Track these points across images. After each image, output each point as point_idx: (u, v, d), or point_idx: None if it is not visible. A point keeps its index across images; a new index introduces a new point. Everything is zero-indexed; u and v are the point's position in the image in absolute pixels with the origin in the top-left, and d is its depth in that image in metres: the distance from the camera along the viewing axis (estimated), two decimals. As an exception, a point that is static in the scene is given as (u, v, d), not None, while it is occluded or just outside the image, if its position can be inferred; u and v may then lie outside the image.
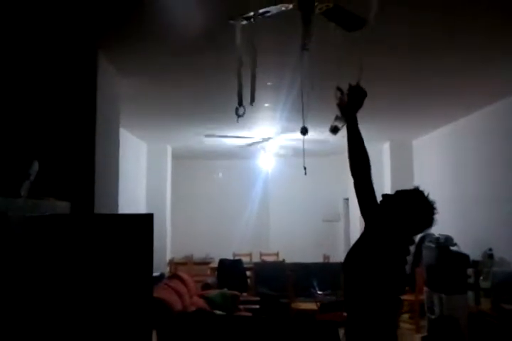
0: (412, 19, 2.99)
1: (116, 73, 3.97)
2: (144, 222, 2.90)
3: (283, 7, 2.36)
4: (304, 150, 3.90)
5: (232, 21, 2.52)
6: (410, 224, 1.95)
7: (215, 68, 3.98)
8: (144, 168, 8.06)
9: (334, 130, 3.52)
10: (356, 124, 2.05)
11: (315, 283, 6.04)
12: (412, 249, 6.83)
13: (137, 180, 7.53)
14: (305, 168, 4.00)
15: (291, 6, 2.33)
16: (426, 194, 1.98)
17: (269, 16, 2.42)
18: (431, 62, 3.85)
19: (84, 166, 3.32)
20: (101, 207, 3.38)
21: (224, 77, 4.27)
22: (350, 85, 2.02)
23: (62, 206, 2.91)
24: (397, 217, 1.94)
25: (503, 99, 4.99)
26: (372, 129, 7.07)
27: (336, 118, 3.12)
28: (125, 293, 2.57)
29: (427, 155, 7.33)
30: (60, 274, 2.48)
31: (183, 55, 3.68)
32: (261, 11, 2.40)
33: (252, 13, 2.42)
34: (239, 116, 2.60)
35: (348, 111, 2.06)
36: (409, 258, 6.82)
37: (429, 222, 1.97)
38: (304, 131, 3.29)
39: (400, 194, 2.02)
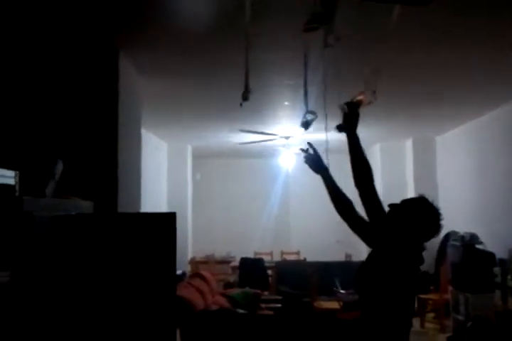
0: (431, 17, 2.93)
1: (137, 73, 4.00)
2: (167, 221, 2.91)
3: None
4: (327, 148, 3.84)
5: None
6: (417, 232, 1.92)
7: (236, 67, 3.96)
8: (164, 167, 8.13)
9: (305, 124, 3.50)
10: (357, 139, 2.12)
11: (337, 282, 5.98)
12: (436, 247, 6.76)
13: (159, 180, 7.59)
14: (327, 166, 3.93)
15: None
16: (431, 201, 1.96)
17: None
18: (455, 57, 3.78)
19: (107, 166, 3.35)
20: (124, 207, 3.41)
21: (242, 75, 4.29)
22: (345, 103, 2.12)
23: (86, 205, 2.95)
24: (404, 227, 1.92)
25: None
26: (395, 126, 6.98)
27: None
28: (149, 292, 2.58)
29: (451, 152, 7.20)
30: (84, 273, 2.51)
31: (204, 54, 3.68)
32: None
33: None
34: (244, 99, 2.59)
35: (348, 128, 2.14)
36: (433, 257, 6.73)
37: (436, 229, 1.94)
38: (306, 125, 3.23)
39: (405, 203, 1.99)
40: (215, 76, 4.34)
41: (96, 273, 2.53)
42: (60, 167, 2.63)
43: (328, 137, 6.53)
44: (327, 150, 4.48)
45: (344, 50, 3.22)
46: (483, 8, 2.84)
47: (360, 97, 2.40)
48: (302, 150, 2.26)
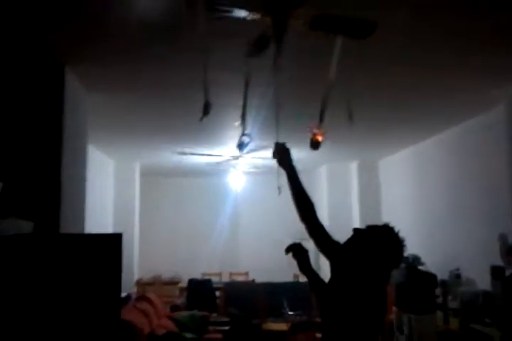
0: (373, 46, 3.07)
1: (84, 89, 3.90)
2: (113, 242, 2.81)
3: (252, 15, 2.29)
4: (278, 169, 3.86)
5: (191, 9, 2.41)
6: (380, 261, 1.89)
7: (183, 85, 3.97)
8: (111, 185, 7.89)
9: (240, 146, 3.58)
10: (294, 174, 2.12)
11: (285, 303, 5.98)
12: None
13: (104, 198, 7.35)
14: (279, 188, 3.96)
15: (259, 16, 2.28)
16: (396, 231, 1.95)
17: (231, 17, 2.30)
18: (399, 85, 3.96)
19: (49, 184, 3.21)
20: (67, 227, 3.26)
21: (191, 94, 4.29)
22: (275, 143, 2.19)
23: (26, 225, 2.80)
24: (367, 254, 1.89)
25: (463, 122, 5.17)
26: (340, 149, 7.18)
27: (243, 134, 3.22)
28: (92, 316, 2.48)
29: (393, 175, 7.47)
30: (25, 296, 2.37)
31: (151, 72, 3.65)
32: (227, 8, 2.28)
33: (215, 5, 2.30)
34: (204, 114, 2.56)
35: (282, 164, 2.16)
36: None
37: (399, 259, 1.93)
38: (241, 146, 3.29)
39: (371, 230, 1.98)
40: (163, 94, 4.30)
41: (37, 296, 2.40)
42: (-2, 185, 2.49)
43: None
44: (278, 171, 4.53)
45: (293, 72, 3.29)
46: (434, 35, 2.99)
47: (316, 136, 2.50)
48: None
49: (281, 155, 2.19)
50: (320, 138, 2.56)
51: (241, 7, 2.19)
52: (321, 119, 2.71)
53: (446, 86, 4.03)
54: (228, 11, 2.17)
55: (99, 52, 3.24)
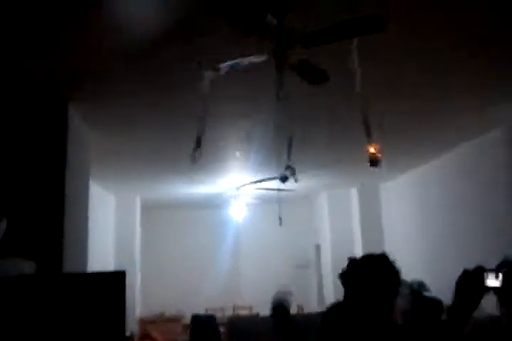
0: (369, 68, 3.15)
1: (86, 126, 3.96)
2: (116, 280, 2.78)
3: (254, 59, 2.41)
4: (279, 200, 3.88)
5: (201, 70, 2.55)
6: (375, 292, 1.86)
7: (186, 119, 4.04)
8: (112, 220, 7.86)
9: (283, 179, 3.58)
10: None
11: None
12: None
13: (105, 234, 7.31)
14: (280, 219, 4.00)
15: (263, 58, 2.39)
16: (392, 259, 1.92)
17: (238, 68, 2.46)
18: (399, 107, 4.00)
19: (52, 223, 3.20)
20: (70, 265, 3.24)
21: (192, 129, 4.36)
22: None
23: (28, 266, 2.78)
24: (361, 286, 1.86)
25: (462, 145, 5.21)
26: (340, 174, 7.21)
27: (287, 167, 3.24)
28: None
29: (395, 200, 7.47)
30: (27, 337, 2.33)
31: (153, 109, 3.73)
32: (230, 63, 2.44)
33: (221, 65, 2.45)
34: (194, 159, 2.62)
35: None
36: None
37: (395, 289, 1.89)
38: (284, 179, 3.30)
39: (364, 260, 1.94)
40: (164, 129, 4.37)
41: (40, 337, 2.36)
42: (3, 225, 2.49)
43: (275, 190, 6.62)
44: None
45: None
46: (438, 58, 3.06)
47: (375, 154, 2.44)
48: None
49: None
50: (379, 155, 2.50)
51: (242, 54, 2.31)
52: (369, 135, 2.65)
53: (447, 109, 4.08)
54: (237, 64, 2.29)
55: (102, 91, 3.32)
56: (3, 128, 3.26)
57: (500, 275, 1.28)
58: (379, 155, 2.45)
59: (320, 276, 9.20)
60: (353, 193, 8.21)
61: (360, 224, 7.94)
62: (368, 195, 8.00)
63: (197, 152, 2.51)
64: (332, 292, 8.19)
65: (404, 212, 7.03)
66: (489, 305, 4.45)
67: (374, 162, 2.44)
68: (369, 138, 2.61)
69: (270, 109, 3.42)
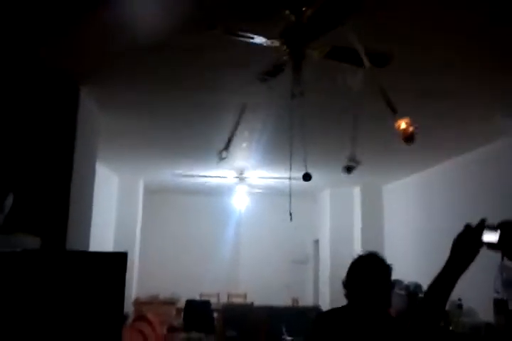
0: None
1: (97, 108, 3.98)
2: (117, 261, 2.82)
3: (271, 42, 2.35)
4: (290, 195, 3.86)
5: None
6: (370, 286, 1.91)
7: (192, 107, 4.05)
8: (114, 200, 7.89)
9: (349, 169, 3.51)
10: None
11: (284, 328, 5.91)
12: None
13: (106, 213, 7.35)
14: (291, 214, 4.01)
15: (283, 59, 2.36)
16: (380, 257, 1.96)
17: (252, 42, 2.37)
18: (404, 111, 4.00)
19: (58, 201, 3.24)
20: (73, 243, 3.27)
21: (201, 115, 4.38)
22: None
23: (33, 241, 2.81)
24: (358, 283, 1.93)
25: (470, 152, 5.21)
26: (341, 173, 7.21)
27: (350, 159, 3.14)
28: (94, 334, 2.47)
29: (397, 201, 7.47)
30: (29, 312, 2.37)
31: (162, 92, 3.73)
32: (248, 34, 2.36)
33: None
34: (222, 159, 2.62)
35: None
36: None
37: (387, 284, 1.93)
38: (308, 177, 3.24)
39: (358, 260, 2.00)
40: (172, 114, 4.37)
41: (41, 312, 2.40)
42: (10, 200, 2.52)
43: (278, 182, 6.63)
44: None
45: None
46: (446, 65, 3.06)
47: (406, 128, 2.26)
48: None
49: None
50: (412, 129, 2.29)
51: (260, 34, 2.27)
52: (394, 110, 2.47)
53: (455, 115, 4.07)
54: (248, 37, 2.24)
55: (114, 74, 3.33)
56: (15, 108, 3.29)
57: (499, 231, 1.27)
58: (412, 129, 2.23)
59: (317, 271, 9.25)
60: (356, 192, 8.22)
61: (361, 222, 7.96)
62: (370, 195, 8.00)
63: (224, 152, 2.53)
64: (328, 287, 8.25)
65: (406, 213, 7.03)
66: (485, 314, 4.48)
67: (409, 138, 2.25)
68: (395, 113, 2.40)
69: (284, 104, 3.43)
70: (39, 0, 2.30)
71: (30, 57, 3.00)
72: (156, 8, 2.44)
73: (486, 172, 4.96)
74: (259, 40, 2.26)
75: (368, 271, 1.91)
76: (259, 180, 7.29)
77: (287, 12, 2.13)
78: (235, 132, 2.60)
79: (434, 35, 2.64)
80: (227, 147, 2.63)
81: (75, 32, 2.66)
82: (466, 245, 1.35)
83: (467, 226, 1.37)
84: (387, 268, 1.92)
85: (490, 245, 1.31)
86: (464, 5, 2.33)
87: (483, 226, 1.34)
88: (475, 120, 4.17)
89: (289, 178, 4.30)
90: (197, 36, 2.65)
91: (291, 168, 3.72)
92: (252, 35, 2.24)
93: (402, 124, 2.34)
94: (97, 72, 3.29)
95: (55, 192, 3.25)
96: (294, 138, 3.67)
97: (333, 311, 2.10)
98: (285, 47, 2.27)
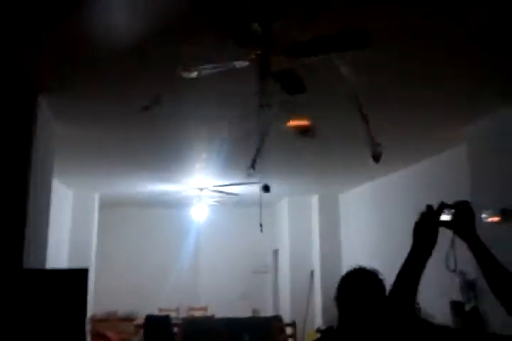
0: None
1: (54, 119, 3.87)
2: (78, 278, 2.75)
3: (237, 64, 2.44)
4: (260, 206, 3.89)
5: (182, 72, 2.57)
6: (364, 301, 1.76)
7: (147, 118, 4.02)
8: (68, 215, 7.64)
9: (378, 157, 3.57)
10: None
11: (246, 339, 5.89)
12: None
13: (60, 229, 7.10)
14: (261, 225, 4.07)
15: (246, 63, 2.42)
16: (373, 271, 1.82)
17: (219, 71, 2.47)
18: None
19: (14, 218, 3.09)
20: (29, 261, 3.14)
21: (157, 127, 4.34)
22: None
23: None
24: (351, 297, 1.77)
25: (421, 161, 5.44)
26: (301, 183, 7.33)
27: (376, 145, 3.21)
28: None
29: (353, 209, 7.65)
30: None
31: (122, 100, 3.67)
32: (212, 65, 2.45)
33: (201, 66, 2.47)
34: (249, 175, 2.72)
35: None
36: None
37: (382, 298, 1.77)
38: (266, 189, 3.39)
39: (348, 275, 1.85)
40: (130, 125, 4.31)
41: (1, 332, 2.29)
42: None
43: (234, 193, 6.65)
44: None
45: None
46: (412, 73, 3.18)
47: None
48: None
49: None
50: (304, 123, 2.53)
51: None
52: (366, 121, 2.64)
53: (412, 123, 4.19)
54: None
55: (72, 83, 3.25)
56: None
57: (453, 211, 1.37)
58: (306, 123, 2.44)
59: (276, 281, 9.29)
60: (314, 201, 8.36)
61: (319, 231, 8.10)
62: (327, 204, 8.17)
63: (251, 170, 2.58)
64: (288, 297, 8.29)
65: (362, 221, 7.22)
66: (441, 316, 4.61)
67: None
68: (367, 124, 2.68)
69: (245, 114, 3.48)
70: (2, 5, 2.23)
71: None
72: (119, 21, 2.43)
73: (438, 179, 5.18)
74: (227, 66, 2.36)
75: (360, 287, 1.74)
76: (217, 192, 7.29)
77: (255, 24, 2.20)
78: (261, 147, 2.67)
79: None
80: (253, 163, 2.73)
81: (38, 39, 2.59)
82: (427, 226, 1.41)
83: (428, 206, 1.43)
84: (379, 282, 1.76)
85: (444, 223, 1.40)
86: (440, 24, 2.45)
87: (442, 207, 1.42)
88: (431, 128, 4.31)
89: (259, 186, 4.38)
90: (164, 48, 2.66)
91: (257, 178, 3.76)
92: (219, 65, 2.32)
93: (297, 122, 2.62)
94: (56, 80, 3.20)
95: (10, 209, 3.11)
96: (250, 148, 3.72)
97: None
98: (252, 56, 2.33)
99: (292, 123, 2.62)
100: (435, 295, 4.79)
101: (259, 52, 2.32)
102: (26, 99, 3.30)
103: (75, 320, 2.71)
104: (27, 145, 3.26)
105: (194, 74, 2.55)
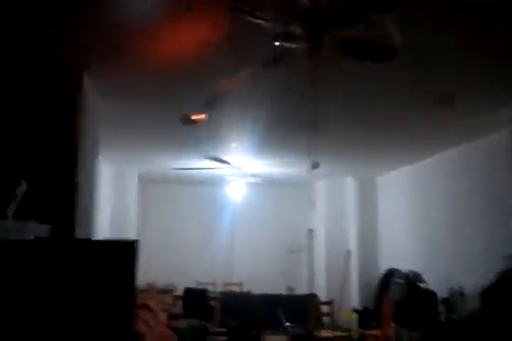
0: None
1: (99, 96, 3.93)
2: (128, 250, 2.79)
3: (290, 45, 2.38)
4: (309, 185, 3.88)
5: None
6: None
7: (190, 97, 4.02)
8: (108, 189, 7.83)
9: (315, 166, 3.71)
10: None
11: (281, 315, 5.96)
12: (375, 283, 6.92)
13: (102, 203, 7.29)
14: (313, 201, 4.49)
15: (298, 44, 2.36)
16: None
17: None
18: (398, 104, 4.01)
19: (65, 189, 3.21)
20: (80, 231, 3.25)
21: (199, 106, 4.34)
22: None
23: (43, 229, 2.79)
24: None
25: (463, 144, 5.26)
26: (338, 164, 7.24)
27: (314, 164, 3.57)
28: (105, 325, 2.46)
29: (392, 192, 7.53)
30: (39, 302, 2.35)
31: (165, 82, 3.69)
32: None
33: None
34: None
35: None
36: (373, 293, 6.89)
37: None
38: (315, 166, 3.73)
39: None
40: (174, 102, 4.33)
41: (51, 302, 2.38)
42: (23, 188, 2.48)
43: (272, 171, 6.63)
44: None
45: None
46: (445, 55, 3.07)
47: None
48: None
49: None
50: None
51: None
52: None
53: (452, 106, 4.07)
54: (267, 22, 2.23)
55: (117, 61, 3.30)
56: (21, 97, 3.24)
57: None
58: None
59: (311, 260, 9.32)
60: (351, 183, 8.26)
61: (356, 213, 8.02)
62: (365, 186, 8.06)
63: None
64: (324, 275, 8.32)
65: (400, 204, 7.11)
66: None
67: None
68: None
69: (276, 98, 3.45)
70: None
71: (34, 42, 2.95)
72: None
73: (481, 162, 5.00)
74: (282, 48, 2.29)
75: None
76: (255, 170, 7.29)
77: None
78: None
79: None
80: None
81: (80, 20, 2.62)
82: None
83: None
84: None
85: None
86: None
87: None
88: (469, 112, 4.19)
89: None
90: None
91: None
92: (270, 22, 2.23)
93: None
94: (101, 59, 3.25)
95: (62, 180, 3.21)
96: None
97: None
98: (303, 32, 2.26)
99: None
100: (479, 277, 4.64)
101: (308, 29, 2.24)
102: (72, 78, 3.37)
103: (125, 292, 2.76)
104: (74, 121, 3.33)
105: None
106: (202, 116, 3.51)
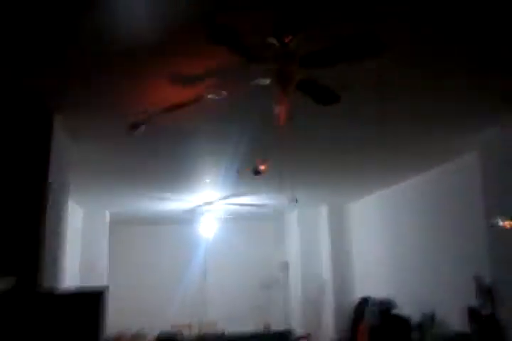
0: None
1: (69, 139, 3.93)
2: (93, 302, 2.73)
3: (260, 82, 2.51)
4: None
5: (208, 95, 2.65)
6: None
7: (164, 138, 4.08)
8: (78, 233, 7.68)
9: (256, 172, 3.89)
10: None
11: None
12: (350, 310, 6.86)
13: (71, 247, 7.12)
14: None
15: (268, 82, 2.48)
16: None
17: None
18: (371, 131, 4.11)
19: (31, 238, 3.13)
20: (47, 280, 3.19)
21: (169, 145, 4.40)
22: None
23: (8, 281, 2.74)
24: None
25: (434, 168, 5.41)
26: (309, 193, 7.34)
27: (259, 162, 3.99)
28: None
29: (363, 219, 7.64)
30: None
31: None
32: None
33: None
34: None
35: None
36: (349, 320, 6.83)
37: None
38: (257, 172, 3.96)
39: None
40: (141, 145, 4.37)
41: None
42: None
43: (243, 205, 6.68)
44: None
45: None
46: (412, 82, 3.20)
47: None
48: None
49: None
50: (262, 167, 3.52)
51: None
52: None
53: (419, 133, 4.20)
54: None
55: (85, 101, 3.30)
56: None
57: None
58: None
59: (287, 294, 9.24)
60: (323, 212, 8.37)
61: (330, 242, 8.08)
62: (337, 214, 8.17)
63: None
64: (299, 310, 8.25)
65: (373, 230, 7.19)
66: (457, 323, 4.58)
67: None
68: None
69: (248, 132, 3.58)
70: (23, 26, 2.30)
71: (3, 83, 2.94)
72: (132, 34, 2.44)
73: (451, 186, 5.12)
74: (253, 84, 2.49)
75: None
76: (225, 206, 7.32)
77: (271, 38, 2.26)
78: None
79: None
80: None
81: (53, 60, 2.64)
82: None
83: None
84: None
85: None
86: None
87: None
88: (436, 138, 4.29)
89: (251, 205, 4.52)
90: (176, 63, 2.71)
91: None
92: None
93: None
94: (70, 98, 3.25)
95: (28, 229, 3.15)
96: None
97: None
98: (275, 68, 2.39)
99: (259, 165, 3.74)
100: (449, 302, 4.73)
101: (277, 66, 2.36)
102: (42, 119, 3.35)
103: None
104: (44, 164, 3.29)
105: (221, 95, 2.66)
106: (267, 165, 3.91)
